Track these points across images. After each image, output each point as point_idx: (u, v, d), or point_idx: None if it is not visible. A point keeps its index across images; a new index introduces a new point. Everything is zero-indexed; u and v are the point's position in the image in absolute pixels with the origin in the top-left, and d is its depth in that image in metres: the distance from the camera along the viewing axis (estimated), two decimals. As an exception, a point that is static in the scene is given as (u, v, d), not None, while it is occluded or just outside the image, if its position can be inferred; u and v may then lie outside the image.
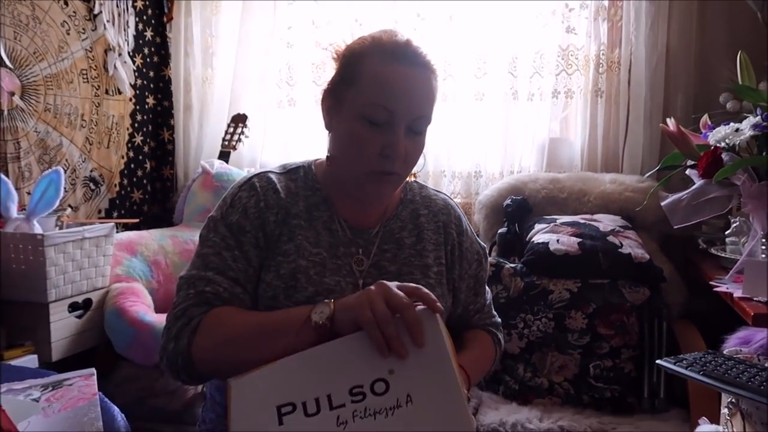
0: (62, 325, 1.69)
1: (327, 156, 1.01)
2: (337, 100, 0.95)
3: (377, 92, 0.90)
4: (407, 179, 1.04)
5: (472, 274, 1.08)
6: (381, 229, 1.02)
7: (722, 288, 1.46)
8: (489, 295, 1.13)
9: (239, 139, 2.41)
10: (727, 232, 1.68)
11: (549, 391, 1.71)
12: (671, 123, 1.57)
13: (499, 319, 1.15)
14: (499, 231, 2.04)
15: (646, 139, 2.14)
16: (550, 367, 1.73)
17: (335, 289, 0.95)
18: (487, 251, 2.04)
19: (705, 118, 1.61)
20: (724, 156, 1.41)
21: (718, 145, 1.42)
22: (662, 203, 1.52)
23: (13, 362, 1.54)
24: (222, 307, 0.90)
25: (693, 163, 1.53)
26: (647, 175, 1.98)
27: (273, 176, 1.01)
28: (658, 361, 1.12)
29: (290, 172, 1.04)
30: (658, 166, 1.75)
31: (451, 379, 0.70)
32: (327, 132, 0.99)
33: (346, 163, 0.96)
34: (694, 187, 1.48)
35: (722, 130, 1.43)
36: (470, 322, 1.10)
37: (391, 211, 1.04)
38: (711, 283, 1.52)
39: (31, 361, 1.59)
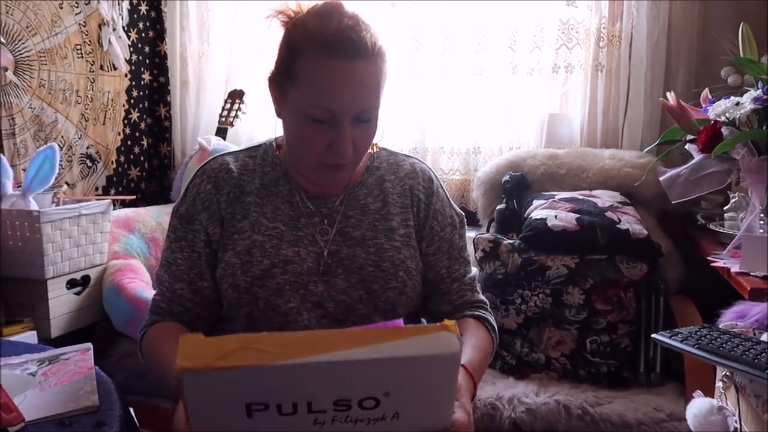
0: (61, 301, 1.70)
1: (280, 143, 1.03)
2: (282, 93, 0.95)
3: (316, 94, 0.88)
4: (373, 149, 1.05)
5: (445, 237, 1.05)
6: (345, 196, 1.02)
7: (720, 263, 1.47)
8: (474, 271, 1.10)
9: (236, 116, 2.39)
10: (725, 208, 1.68)
11: (546, 366, 1.72)
12: (671, 97, 1.55)
13: (484, 298, 1.09)
14: (498, 207, 2.03)
15: (647, 115, 2.11)
16: (547, 343, 1.74)
17: (293, 259, 0.97)
18: (487, 227, 2.07)
19: (705, 92, 1.59)
20: (724, 130, 1.40)
21: (717, 119, 1.41)
22: (661, 178, 1.52)
23: (13, 338, 1.54)
24: (156, 327, 0.97)
25: (692, 137, 1.52)
26: (646, 150, 1.97)
27: (229, 157, 1.04)
28: (653, 335, 1.12)
29: (251, 149, 1.06)
30: (657, 141, 1.73)
31: (445, 416, 0.69)
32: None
33: (296, 154, 0.98)
34: (693, 161, 1.47)
35: (722, 104, 1.42)
36: (450, 292, 1.04)
37: (355, 179, 1.04)
38: (709, 258, 1.52)
39: (30, 337, 1.60)
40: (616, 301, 1.71)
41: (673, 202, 1.52)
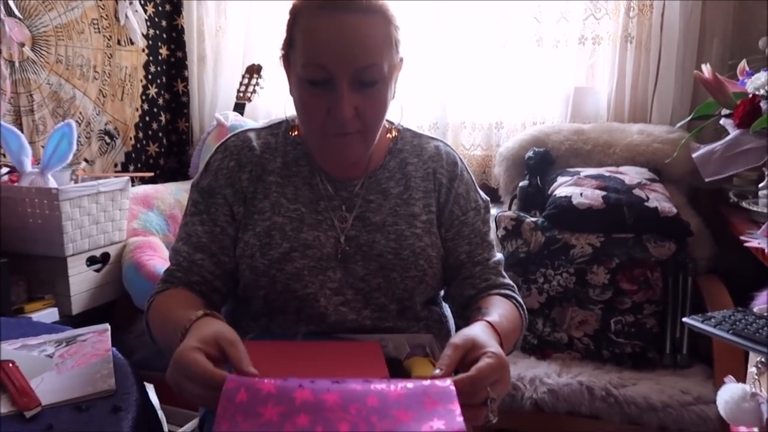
0: (81, 279, 1.70)
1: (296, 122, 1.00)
2: (289, 65, 0.91)
3: (309, 49, 0.84)
4: (392, 133, 1.01)
5: (467, 222, 1.00)
6: (365, 180, 0.98)
7: (753, 243, 1.41)
8: (499, 257, 1.04)
9: (254, 91, 2.36)
10: (760, 185, 1.60)
11: (568, 346, 1.69)
12: (706, 69, 1.48)
13: (511, 282, 1.03)
14: (520, 184, 1.98)
15: (678, 88, 2.03)
16: (570, 322, 1.70)
17: (313, 244, 0.94)
18: (509, 205, 2.02)
19: (743, 64, 1.51)
20: (763, 104, 1.33)
21: (756, 92, 1.34)
22: (694, 155, 1.45)
23: (34, 315, 1.56)
24: (167, 293, 0.91)
25: (728, 112, 1.45)
26: (678, 125, 1.89)
27: (251, 134, 1.00)
28: (685, 319, 1.08)
29: (272, 127, 1.02)
30: (690, 116, 1.66)
31: None
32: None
33: (304, 129, 0.95)
34: (728, 137, 1.41)
35: (761, 77, 1.35)
36: (472, 276, 0.99)
37: (377, 161, 1.00)
38: (742, 237, 1.46)
39: (51, 314, 1.61)
40: (643, 281, 1.66)
41: (706, 180, 1.45)
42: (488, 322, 0.80)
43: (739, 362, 1.45)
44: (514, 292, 0.99)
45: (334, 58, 0.83)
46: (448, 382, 0.63)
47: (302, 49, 0.85)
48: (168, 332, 0.78)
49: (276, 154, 0.99)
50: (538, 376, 1.55)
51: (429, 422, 0.57)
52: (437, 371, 0.67)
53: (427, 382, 0.61)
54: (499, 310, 0.88)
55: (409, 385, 0.62)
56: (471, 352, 0.70)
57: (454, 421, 0.58)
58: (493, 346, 0.70)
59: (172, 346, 0.72)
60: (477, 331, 0.76)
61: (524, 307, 0.97)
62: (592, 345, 1.67)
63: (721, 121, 1.51)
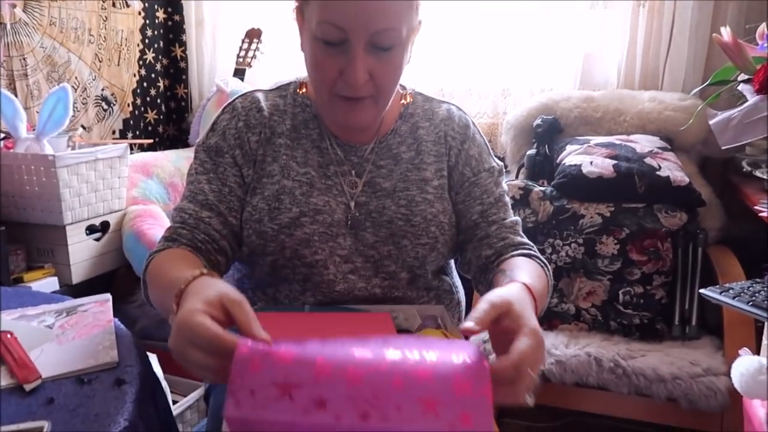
0: (81, 247, 1.67)
1: (304, 81, 0.96)
2: (303, 19, 0.86)
3: (326, 7, 0.79)
4: (406, 99, 0.97)
5: (478, 183, 0.96)
6: (376, 145, 0.95)
7: (766, 212, 1.38)
8: (516, 218, 0.99)
9: (254, 56, 2.30)
10: (775, 154, 1.57)
11: (575, 317, 1.67)
12: (726, 32, 1.42)
13: (530, 242, 0.97)
14: (528, 153, 1.94)
15: (691, 54, 1.97)
16: (578, 293, 1.68)
17: (323, 209, 0.91)
18: (516, 174, 1.98)
19: (762, 27, 1.45)
20: (784, 69, 1.28)
21: (778, 56, 1.29)
22: (711, 121, 1.40)
23: (34, 284, 1.53)
24: (167, 252, 0.84)
25: (747, 77, 1.40)
26: (693, 92, 1.84)
27: (259, 94, 0.96)
28: (701, 291, 1.05)
29: (280, 89, 0.98)
30: (706, 82, 1.61)
31: None
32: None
33: (313, 88, 0.90)
34: (747, 104, 1.36)
35: (784, 40, 1.29)
36: (488, 236, 0.93)
37: (388, 126, 0.96)
38: (756, 207, 1.43)
39: (51, 283, 1.59)
40: (653, 252, 1.63)
41: (723, 148, 1.41)
42: (524, 284, 0.72)
43: (749, 334, 1.43)
44: (534, 251, 0.93)
45: (351, 19, 0.78)
46: (484, 363, 0.56)
47: (318, 6, 0.80)
48: (163, 290, 0.72)
49: (285, 116, 0.95)
50: (546, 347, 1.53)
51: (456, 414, 0.53)
52: (470, 324, 0.61)
53: (459, 360, 0.55)
54: (526, 271, 0.81)
55: (439, 360, 0.56)
56: (505, 318, 0.63)
57: (483, 420, 0.53)
58: (529, 319, 0.64)
59: (165, 306, 0.67)
60: (513, 293, 0.67)
61: (549, 267, 0.90)
62: (600, 316, 1.65)
63: (739, 87, 1.46)
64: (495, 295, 0.65)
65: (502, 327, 0.63)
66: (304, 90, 0.97)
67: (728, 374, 1.35)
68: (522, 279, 0.74)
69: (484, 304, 0.63)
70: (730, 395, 1.35)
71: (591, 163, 1.71)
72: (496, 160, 1.01)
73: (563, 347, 1.53)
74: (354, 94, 0.83)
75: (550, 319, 1.68)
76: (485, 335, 0.66)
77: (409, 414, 0.52)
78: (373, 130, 0.95)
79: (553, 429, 1.79)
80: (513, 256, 0.89)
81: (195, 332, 0.56)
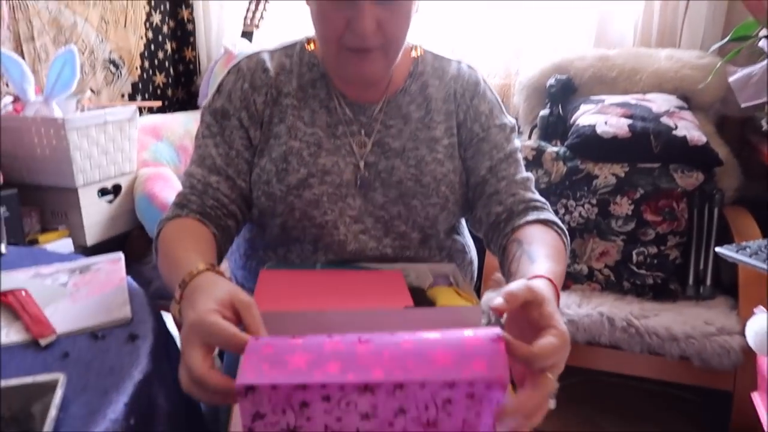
0: (94, 210, 1.68)
1: (311, 38, 0.93)
2: None
3: None
4: (416, 53, 0.95)
5: (488, 139, 0.93)
6: (385, 104, 0.93)
7: (788, 172, 1.35)
8: (528, 174, 0.95)
9: (262, 17, 2.26)
10: (797, 112, 1.53)
11: (588, 278, 1.67)
12: (749, -16, 1.37)
13: (542, 198, 0.93)
14: (541, 113, 1.91)
15: (710, 10, 1.91)
16: (591, 254, 1.67)
17: (332, 170, 0.89)
18: (529, 134, 1.95)
19: (788, -22, 1.40)
20: (809, 22, 1.23)
21: (803, 8, 1.24)
22: (730, 79, 1.37)
23: (49, 246, 1.54)
24: (178, 222, 0.83)
25: (769, 31, 1.35)
26: (712, 49, 1.79)
27: (265, 55, 0.94)
28: (718, 249, 1.04)
29: (286, 48, 0.96)
30: (725, 39, 1.56)
31: None
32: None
33: (320, 42, 0.87)
34: (768, 59, 1.32)
35: (810, -9, 1.24)
36: (498, 192, 0.90)
37: (397, 84, 0.94)
38: (775, 166, 1.40)
39: (66, 245, 1.60)
40: (668, 212, 1.61)
41: (742, 106, 1.38)
42: (550, 280, 0.67)
43: (764, 293, 1.42)
44: (548, 210, 0.89)
45: None
46: (498, 331, 0.54)
47: None
48: (169, 271, 0.73)
49: (291, 76, 0.93)
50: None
51: (470, 364, 0.53)
52: (500, 300, 0.58)
53: (471, 332, 0.55)
54: (544, 249, 0.77)
55: (452, 332, 0.54)
56: (535, 310, 0.59)
57: (498, 366, 0.52)
58: (560, 322, 0.59)
59: (171, 287, 0.69)
60: (545, 291, 0.62)
61: (566, 231, 0.86)
62: (613, 276, 1.65)
63: (760, 43, 1.42)
64: (529, 282, 0.62)
65: (529, 317, 0.59)
66: (311, 47, 0.95)
67: (742, 333, 1.35)
68: (544, 269, 0.70)
69: (518, 284, 0.60)
70: (743, 354, 1.35)
71: (605, 122, 1.67)
72: (509, 117, 0.98)
73: (575, 307, 1.53)
74: (362, 44, 0.81)
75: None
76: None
77: (422, 367, 0.52)
78: (382, 88, 0.93)
79: (564, 387, 1.80)
80: (528, 222, 0.85)
81: (210, 331, 0.56)
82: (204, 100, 2.24)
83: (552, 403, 0.58)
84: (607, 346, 1.48)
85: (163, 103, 2.32)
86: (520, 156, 0.96)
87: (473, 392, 0.51)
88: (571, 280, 1.67)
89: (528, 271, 0.71)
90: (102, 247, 1.69)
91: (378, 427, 0.53)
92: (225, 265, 1.15)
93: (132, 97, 2.24)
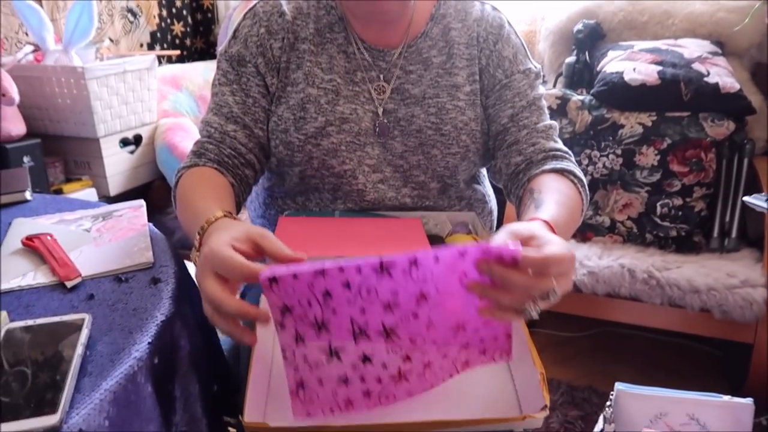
0: (116, 160, 1.69)
1: None
2: None
3: None
4: None
5: (510, 86, 0.90)
6: (405, 49, 0.90)
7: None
8: (551, 122, 0.92)
9: (280, -39, 2.19)
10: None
11: (610, 230, 1.65)
12: None
13: (565, 148, 0.90)
14: (567, 60, 1.85)
15: (750, -53, 1.81)
16: (614, 205, 1.65)
17: (350, 118, 0.88)
18: (554, 83, 1.90)
19: None
20: None
21: None
22: (768, 20, 1.30)
23: (73, 195, 1.57)
24: (196, 171, 0.83)
25: (813, -31, 1.28)
26: (749, -11, 1.70)
27: None
28: (745, 198, 1.01)
29: None
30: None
31: None
32: None
33: None
34: (811, -1, 1.25)
35: None
36: (518, 141, 0.88)
37: (418, 28, 0.91)
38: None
39: (90, 194, 1.63)
40: (695, 163, 1.57)
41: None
42: (545, 221, 0.67)
43: (792, 245, 1.39)
44: (569, 160, 0.87)
45: None
46: (515, 245, 0.54)
47: None
48: (187, 220, 0.73)
49: (308, 19, 0.90)
50: (578, 258, 1.53)
51: (479, 246, 0.54)
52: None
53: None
54: (554, 195, 0.75)
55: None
56: (531, 241, 0.58)
57: (508, 248, 0.53)
58: (557, 237, 0.59)
59: (190, 235, 0.69)
60: (534, 228, 0.62)
61: (584, 181, 0.84)
62: (636, 228, 1.62)
63: (803, -18, 1.34)
64: (515, 226, 0.61)
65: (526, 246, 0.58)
66: None
67: (767, 286, 1.33)
68: (545, 213, 0.69)
69: (502, 234, 0.59)
70: (767, 306, 1.34)
71: (634, 69, 1.62)
72: (534, 62, 0.95)
73: (596, 258, 1.52)
74: None
75: (583, 232, 1.66)
76: None
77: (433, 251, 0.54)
78: (401, 32, 0.90)
79: (582, 338, 1.81)
80: (544, 171, 0.83)
81: (221, 262, 0.56)
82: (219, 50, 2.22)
83: (535, 314, 0.57)
84: (627, 298, 1.47)
85: (182, 53, 2.30)
86: (544, 103, 0.93)
87: (486, 251, 0.54)
88: (592, 232, 1.65)
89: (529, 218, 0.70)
90: (125, 197, 1.70)
91: (402, 319, 0.54)
92: (245, 216, 1.16)
93: (150, 46, 2.22)
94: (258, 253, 0.60)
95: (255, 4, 0.93)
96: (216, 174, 0.83)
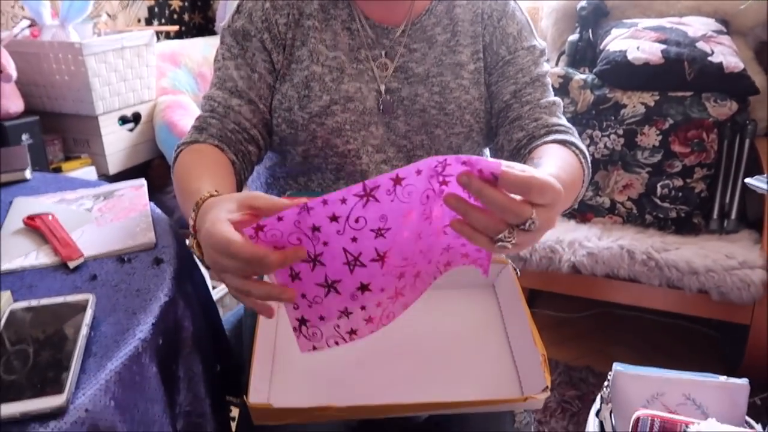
0: (115, 138, 1.68)
1: None
2: None
3: None
4: None
5: (514, 62, 0.89)
6: (409, 26, 0.89)
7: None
8: (555, 99, 0.91)
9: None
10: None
11: (610, 210, 1.65)
12: None
13: (569, 124, 0.88)
14: (570, 38, 1.83)
15: (758, -77, 1.78)
16: (614, 186, 1.65)
17: (355, 96, 0.86)
18: (556, 61, 1.88)
19: None
20: None
21: None
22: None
23: (73, 174, 1.56)
24: (195, 148, 0.81)
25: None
26: (756, -33, 1.68)
27: None
28: (746, 180, 1.01)
29: None
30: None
31: None
32: None
33: None
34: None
35: None
36: (521, 117, 0.86)
37: (422, 5, 0.90)
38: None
39: (89, 172, 1.62)
40: (697, 143, 1.57)
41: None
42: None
43: (791, 227, 1.40)
44: (572, 135, 0.84)
45: None
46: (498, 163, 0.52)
47: None
48: (183, 200, 0.71)
49: None
50: (578, 239, 1.53)
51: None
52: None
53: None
54: (555, 160, 0.74)
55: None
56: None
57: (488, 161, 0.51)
58: (547, 173, 0.55)
59: (186, 215, 0.67)
60: (530, 168, 0.57)
61: (586, 154, 0.81)
62: (635, 209, 1.63)
63: (811, -40, 1.32)
64: (509, 162, 0.57)
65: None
66: None
67: (765, 267, 1.34)
68: (544, 171, 0.65)
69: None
70: (764, 288, 1.34)
71: (637, 48, 1.60)
72: (539, 40, 0.94)
73: (596, 239, 1.52)
74: None
75: (583, 212, 1.66)
76: None
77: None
78: (405, 8, 0.89)
79: (581, 319, 1.83)
80: (546, 142, 0.82)
81: (219, 242, 0.54)
82: (222, 24, 2.19)
83: (510, 246, 0.53)
84: (625, 279, 1.48)
85: (180, 28, 2.27)
86: (548, 80, 0.92)
87: (467, 161, 0.52)
88: (592, 212, 1.66)
89: None
90: (124, 176, 1.70)
91: (394, 242, 0.54)
92: (246, 194, 1.14)
93: (148, 22, 2.20)
94: (256, 216, 0.59)
95: None
96: (215, 151, 0.82)
